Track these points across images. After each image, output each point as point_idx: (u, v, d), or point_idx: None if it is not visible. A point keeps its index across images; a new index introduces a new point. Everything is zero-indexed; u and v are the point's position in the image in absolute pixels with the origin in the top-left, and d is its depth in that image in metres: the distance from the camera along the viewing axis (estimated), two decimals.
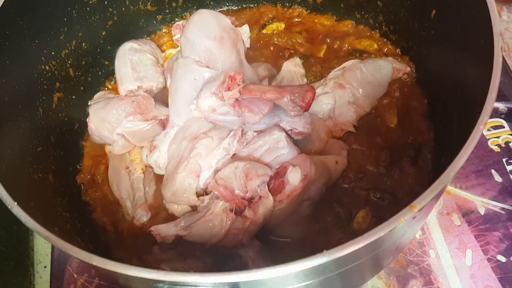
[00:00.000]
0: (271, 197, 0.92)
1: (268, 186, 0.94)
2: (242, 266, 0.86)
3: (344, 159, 1.02)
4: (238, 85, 0.91)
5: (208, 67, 1.00)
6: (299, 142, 1.03)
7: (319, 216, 0.99)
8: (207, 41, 0.99)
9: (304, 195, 0.94)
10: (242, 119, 0.94)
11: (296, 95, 0.89)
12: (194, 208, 1.00)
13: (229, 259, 0.89)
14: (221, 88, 0.92)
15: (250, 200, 0.92)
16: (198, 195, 0.98)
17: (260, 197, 0.92)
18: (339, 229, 0.97)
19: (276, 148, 0.96)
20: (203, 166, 0.96)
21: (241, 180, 0.91)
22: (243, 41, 1.06)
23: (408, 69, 1.15)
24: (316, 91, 1.13)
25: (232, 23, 1.06)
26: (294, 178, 0.92)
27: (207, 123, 1.01)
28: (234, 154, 0.98)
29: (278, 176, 0.94)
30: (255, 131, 1.00)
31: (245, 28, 1.08)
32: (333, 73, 1.14)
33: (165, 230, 0.94)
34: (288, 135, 1.00)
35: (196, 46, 1.00)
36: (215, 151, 0.97)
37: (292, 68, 1.19)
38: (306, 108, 0.90)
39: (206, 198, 0.96)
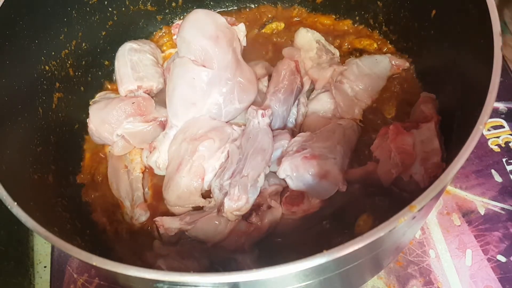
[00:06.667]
0: (280, 209, 0.92)
1: (284, 193, 0.94)
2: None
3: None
4: None
5: (204, 66, 1.00)
6: None
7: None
8: (203, 40, 0.99)
9: (320, 212, 0.94)
10: None
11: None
12: (198, 208, 1.00)
13: (226, 264, 0.89)
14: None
15: (258, 207, 0.92)
16: (203, 196, 0.98)
17: (270, 206, 0.92)
18: (340, 234, 0.96)
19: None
20: (207, 168, 0.96)
21: None
22: (239, 40, 1.06)
23: (407, 64, 1.15)
24: (316, 90, 1.13)
25: (232, 23, 1.06)
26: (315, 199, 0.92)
27: (207, 123, 1.01)
28: None
29: None
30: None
31: (241, 26, 1.08)
32: (331, 71, 1.14)
33: (169, 222, 0.94)
34: None
35: (192, 46, 1.00)
36: (218, 152, 0.97)
37: None
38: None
39: (213, 200, 0.96)
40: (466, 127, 0.70)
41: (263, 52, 1.28)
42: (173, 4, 1.34)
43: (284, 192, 0.96)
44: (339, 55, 1.20)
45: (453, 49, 0.96)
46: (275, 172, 0.95)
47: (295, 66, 1.11)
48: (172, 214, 1.01)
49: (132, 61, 1.17)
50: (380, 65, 1.14)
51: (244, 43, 1.09)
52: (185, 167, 0.96)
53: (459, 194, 1.13)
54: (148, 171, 1.11)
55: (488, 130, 1.22)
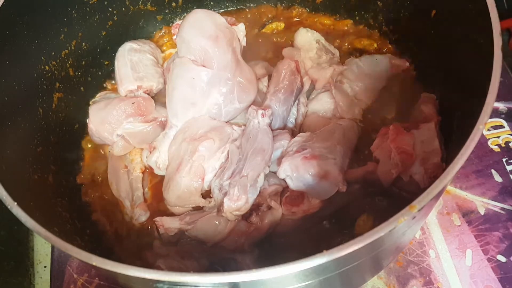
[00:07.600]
0: (280, 210, 0.92)
1: (284, 193, 0.94)
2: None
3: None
4: None
5: (204, 66, 1.00)
6: None
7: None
8: (202, 40, 0.99)
9: (320, 212, 0.94)
10: None
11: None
12: (199, 208, 1.00)
13: (226, 263, 0.89)
14: None
15: (258, 207, 0.92)
16: (203, 196, 0.98)
17: (269, 206, 0.92)
18: (340, 234, 0.96)
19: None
20: (207, 168, 0.96)
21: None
22: (239, 40, 1.06)
23: (407, 64, 1.15)
24: (316, 90, 1.13)
25: (232, 24, 1.06)
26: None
27: (207, 123, 1.01)
28: None
29: None
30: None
31: (241, 26, 1.08)
32: (331, 71, 1.14)
33: (169, 222, 0.94)
34: None
35: (192, 46, 1.00)
36: (217, 152, 0.97)
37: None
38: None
39: (213, 200, 0.96)
40: (466, 127, 0.70)
41: (263, 52, 1.28)
42: (173, 4, 1.34)
43: (284, 192, 0.96)
44: (339, 55, 1.19)
45: (453, 49, 0.96)
46: (275, 172, 0.95)
47: (295, 66, 1.11)
48: (172, 214, 1.01)
49: (132, 61, 1.17)
50: (380, 65, 1.14)
51: (244, 43, 1.09)
52: (185, 167, 0.96)
53: (459, 194, 1.13)
54: (148, 171, 1.11)
55: (488, 130, 1.22)
